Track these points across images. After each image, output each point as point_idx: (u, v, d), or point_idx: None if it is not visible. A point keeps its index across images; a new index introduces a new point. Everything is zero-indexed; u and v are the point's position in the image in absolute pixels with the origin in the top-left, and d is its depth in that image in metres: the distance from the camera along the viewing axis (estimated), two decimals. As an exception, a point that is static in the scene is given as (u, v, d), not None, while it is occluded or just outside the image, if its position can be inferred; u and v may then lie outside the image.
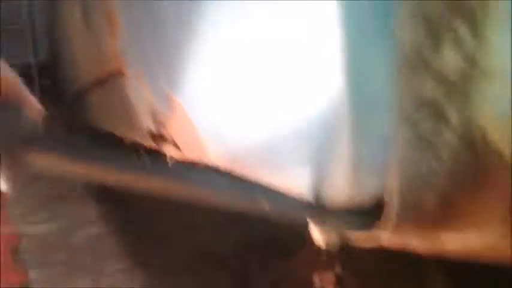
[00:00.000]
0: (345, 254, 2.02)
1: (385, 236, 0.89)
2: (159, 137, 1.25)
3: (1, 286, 1.83)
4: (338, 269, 1.91)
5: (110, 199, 2.85)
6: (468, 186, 0.70)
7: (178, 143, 1.15)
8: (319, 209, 0.78)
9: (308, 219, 0.86)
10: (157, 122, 1.27)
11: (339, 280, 1.86)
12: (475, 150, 0.66)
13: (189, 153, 1.02)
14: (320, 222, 0.87)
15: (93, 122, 2.47)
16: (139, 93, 1.35)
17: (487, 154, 0.66)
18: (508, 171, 0.66)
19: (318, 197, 0.77)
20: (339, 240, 0.88)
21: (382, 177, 0.70)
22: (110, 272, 1.99)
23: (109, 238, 2.35)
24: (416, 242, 0.90)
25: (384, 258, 1.95)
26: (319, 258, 2.08)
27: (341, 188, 0.74)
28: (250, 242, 2.23)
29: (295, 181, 0.79)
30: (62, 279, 1.94)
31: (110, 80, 1.61)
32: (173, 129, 1.19)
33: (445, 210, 0.72)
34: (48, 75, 3.30)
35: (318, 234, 0.88)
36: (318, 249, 2.05)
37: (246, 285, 1.89)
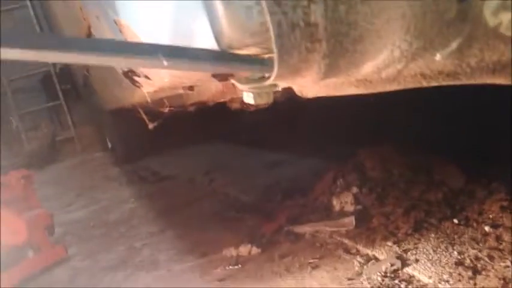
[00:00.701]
0: (360, 177, 2.03)
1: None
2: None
3: (40, 263, 1.97)
4: (354, 190, 1.92)
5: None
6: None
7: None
8: (224, 56, 0.80)
9: (221, 72, 0.88)
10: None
11: (356, 199, 1.86)
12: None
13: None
14: (228, 71, 0.86)
15: (98, 95, 2.63)
16: (102, 35, 1.47)
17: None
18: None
19: (220, 45, 0.79)
20: (264, 95, 0.88)
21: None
22: (143, 236, 2.10)
23: (141, 210, 2.47)
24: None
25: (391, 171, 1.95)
26: (336, 184, 2.09)
27: (227, 25, 0.75)
28: (273, 187, 2.27)
29: (204, 32, 0.83)
30: (100, 249, 2.06)
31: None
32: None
33: (340, 31, 0.68)
34: (67, 81, 3.51)
35: (247, 96, 0.89)
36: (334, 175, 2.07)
37: (269, 221, 1.92)
